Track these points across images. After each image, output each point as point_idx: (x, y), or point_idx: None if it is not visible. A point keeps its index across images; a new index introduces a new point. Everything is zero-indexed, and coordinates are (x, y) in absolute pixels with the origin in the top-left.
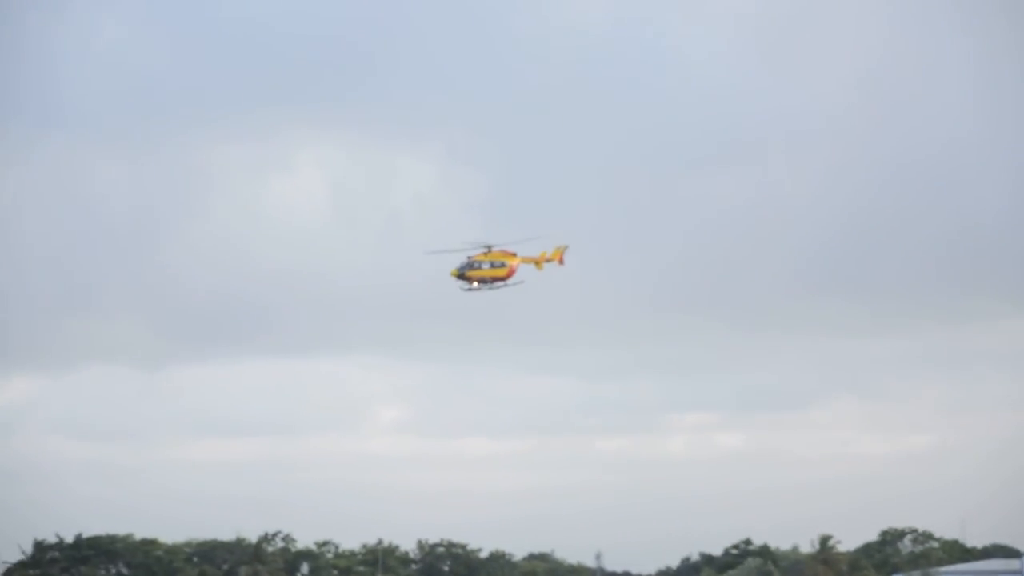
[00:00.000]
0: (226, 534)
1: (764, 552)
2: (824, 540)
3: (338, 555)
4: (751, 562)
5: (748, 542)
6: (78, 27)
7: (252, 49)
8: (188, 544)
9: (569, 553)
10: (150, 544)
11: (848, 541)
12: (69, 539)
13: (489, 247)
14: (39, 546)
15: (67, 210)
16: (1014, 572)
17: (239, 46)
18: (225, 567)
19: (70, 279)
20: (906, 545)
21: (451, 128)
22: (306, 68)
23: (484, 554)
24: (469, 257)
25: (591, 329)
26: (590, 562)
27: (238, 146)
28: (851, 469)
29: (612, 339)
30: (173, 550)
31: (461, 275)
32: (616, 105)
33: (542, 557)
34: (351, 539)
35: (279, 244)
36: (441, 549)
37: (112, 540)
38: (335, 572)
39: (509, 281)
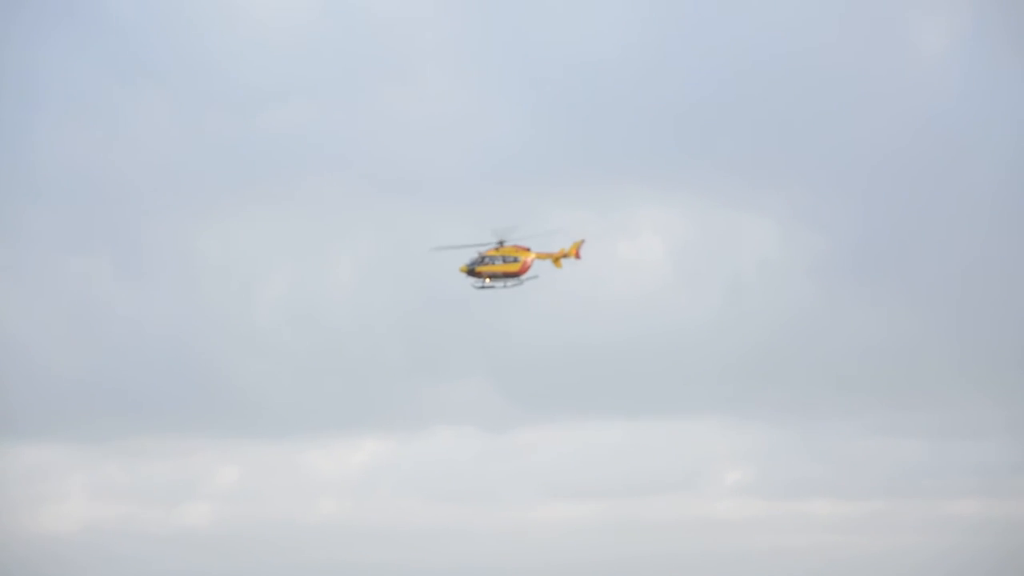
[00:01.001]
0: None
1: None
2: None
3: None
4: None
5: None
6: None
7: (592, 118)
8: None
9: None
10: None
11: None
12: None
13: (502, 242)
14: None
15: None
16: None
17: (581, 116)
18: None
19: (416, 343)
20: None
21: (790, 187)
22: (648, 135)
23: None
24: (480, 252)
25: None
26: None
27: (581, 211)
28: None
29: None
30: None
31: (471, 271)
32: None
33: None
34: None
35: (621, 307)
36: None
37: None
38: None
39: (523, 277)
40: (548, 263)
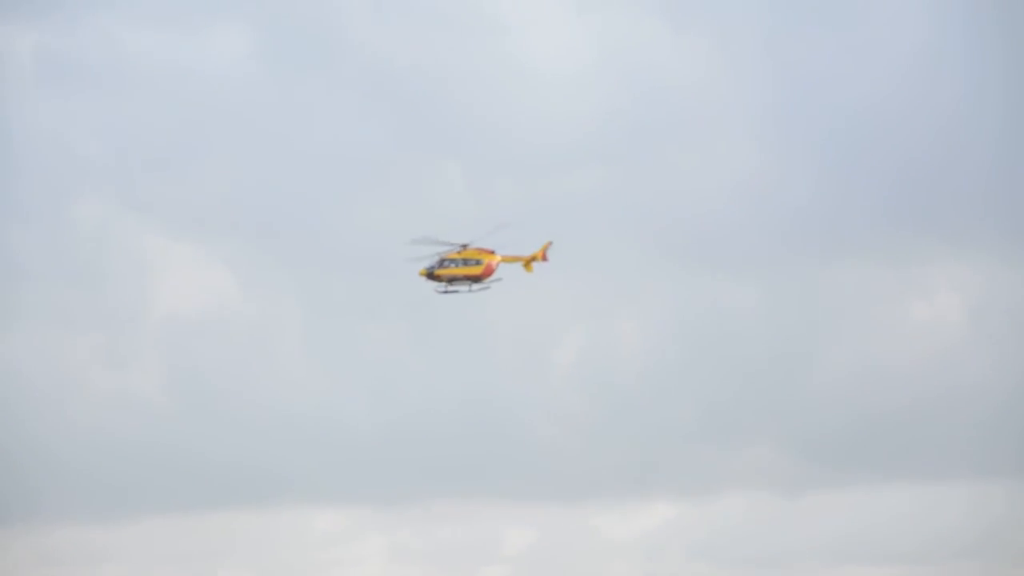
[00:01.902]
0: None
1: None
2: None
3: None
4: None
5: None
6: None
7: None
8: None
9: None
10: None
11: None
12: None
13: (464, 245)
14: None
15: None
16: None
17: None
18: None
19: (708, 406)
20: None
21: None
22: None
23: None
24: (440, 255)
25: None
26: None
27: (877, 270)
28: None
29: None
30: None
31: (430, 274)
32: None
33: None
34: None
35: (917, 368)
36: None
37: None
38: None
39: (487, 281)
40: (516, 267)
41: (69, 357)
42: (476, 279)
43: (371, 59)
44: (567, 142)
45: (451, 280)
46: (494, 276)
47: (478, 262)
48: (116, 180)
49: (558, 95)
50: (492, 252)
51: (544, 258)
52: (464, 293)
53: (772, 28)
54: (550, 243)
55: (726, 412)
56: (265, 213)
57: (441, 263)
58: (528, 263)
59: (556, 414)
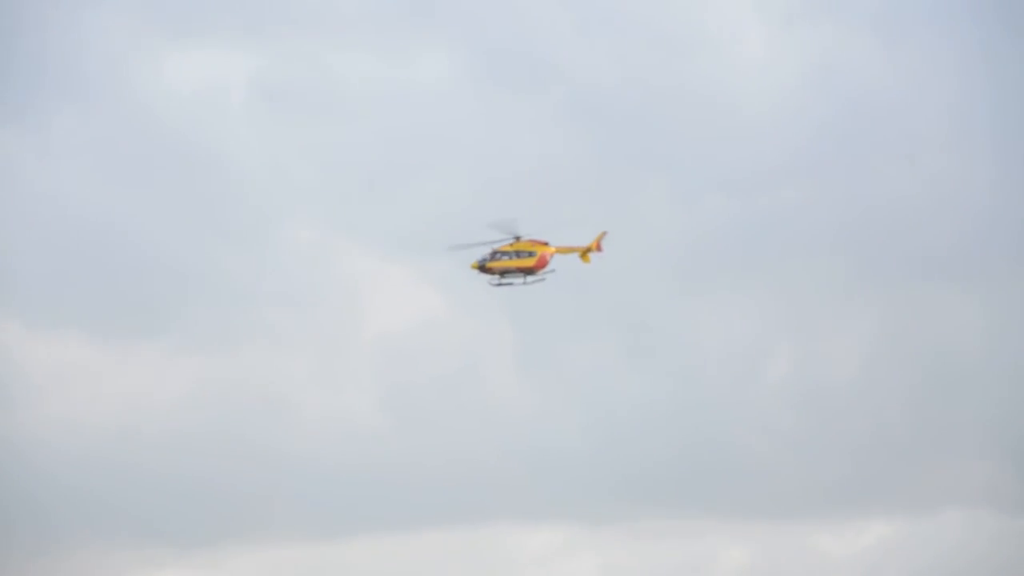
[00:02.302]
0: None
1: None
2: None
3: None
4: None
5: None
6: None
7: None
8: None
9: None
10: None
11: None
12: None
13: (518, 237)
14: None
15: None
16: None
17: None
18: None
19: (927, 421)
20: None
21: None
22: None
23: None
24: (493, 248)
25: None
26: None
27: None
28: None
29: None
30: None
31: (482, 267)
32: None
33: None
34: None
35: None
36: None
37: None
38: None
39: (542, 273)
40: (572, 258)
41: (283, 378)
42: (529, 271)
43: (577, 78)
44: (775, 157)
45: (503, 272)
46: (548, 268)
47: (531, 254)
48: (327, 202)
49: (766, 110)
50: (546, 243)
51: (599, 248)
52: (519, 285)
53: (985, 41)
54: (605, 233)
55: (946, 428)
56: (473, 233)
57: (493, 255)
58: (585, 254)
59: (769, 429)
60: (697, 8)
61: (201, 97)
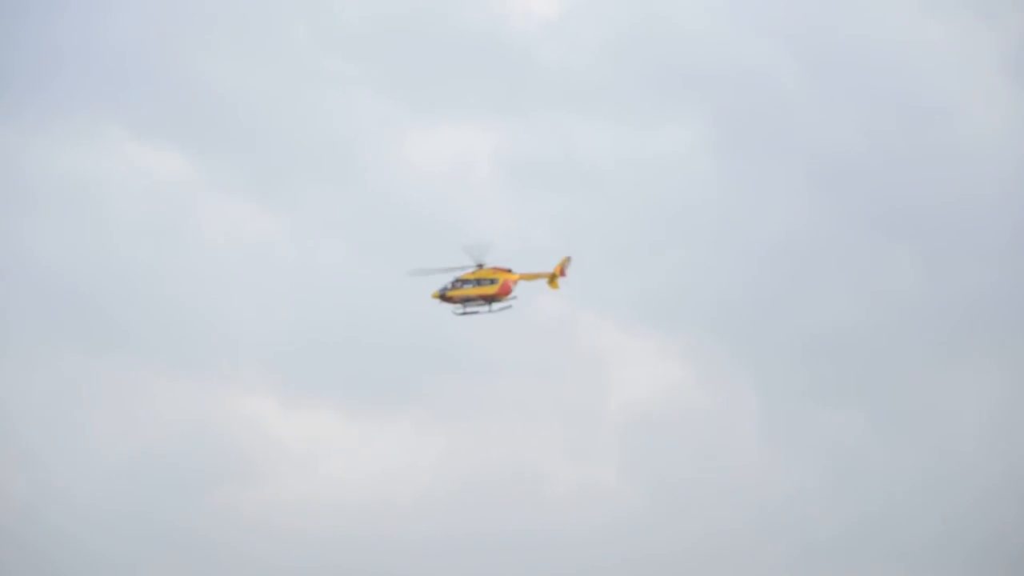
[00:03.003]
0: None
1: None
2: None
3: None
4: None
5: None
6: None
7: None
8: None
9: None
10: None
11: None
12: None
13: (480, 265)
14: None
15: None
16: None
17: None
18: None
19: None
20: None
21: None
22: None
23: None
24: (455, 277)
25: None
26: None
27: None
28: None
29: None
30: None
31: (443, 296)
32: None
33: None
34: None
35: None
36: None
37: None
38: None
39: (507, 300)
40: (537, 285)
41: (530, 450)
42: (492, 298)
43: (821, 146)
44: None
45: (465, 301)
46: (512, 295)
47: (492, 281)
48: (571, 274)
49: (1007, 175)
50: (509, 270)
51: (563, 274)
52: (485, 314)
53: None
54: (568, 258)
55: None
56: (718, 306)
57: (455, 284)
58: (553, 280)
59: None
60: (943, 72)
61: (445, 172)
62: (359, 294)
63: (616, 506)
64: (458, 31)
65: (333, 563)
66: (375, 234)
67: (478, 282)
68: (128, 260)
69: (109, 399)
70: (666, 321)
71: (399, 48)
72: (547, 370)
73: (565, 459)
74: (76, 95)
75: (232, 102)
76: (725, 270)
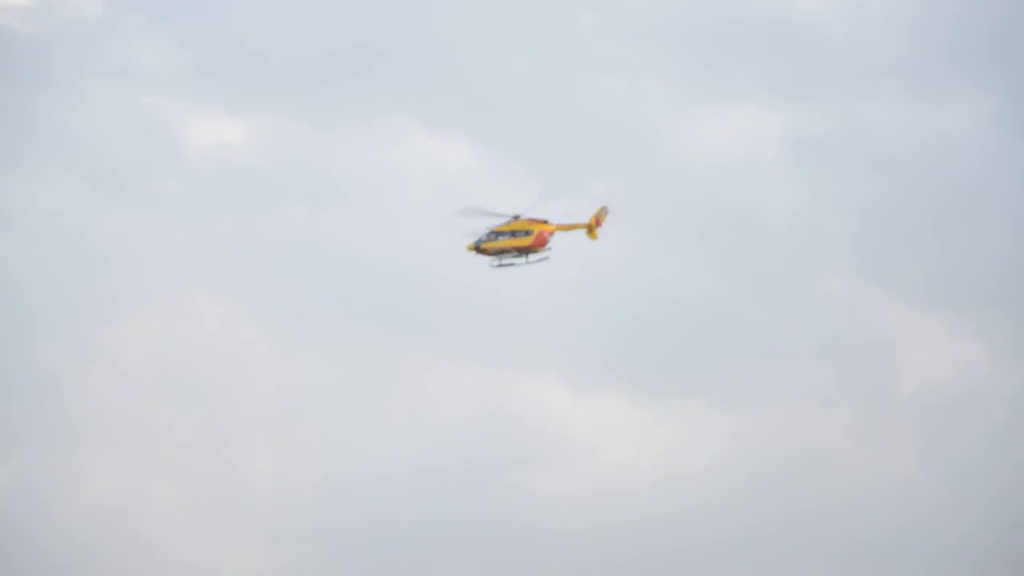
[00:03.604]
0: None
1: None
2: None
3: None
4: None
5: None
6: None
7: None
8: None
9: None
10: None
11: None
12: None
13: (516, 216)
14: None
15: None
16: None
17: None
18: None
19: None
20: None
21: None
22: None
23: None
24: (491, 228)
25: None
26: None
27: None
28: None
29: None
30: None
31: (477, 248)
32: None
33: None
34: None
35: None
36: None
37: None
38: None
39: (543, 251)
40: (574, 236)
41: (819, 435)
42: (527, 250)
43: None
44: None
45: (500, 253)
46: (548, 246)
47: (527, 232)
48: (862, 255)
49: None
50: (545, 221)
51: (599, 224)
52: (521, 266)
53: None
54: (605, 207)
55: None
56: (1010, 285)
57: (490, 236)
58: (591, 230)
59: None
60: None
61: (732, 155)
62: (646, 280)
63: (912, 491)
64: (743, 12)
65: (621, 546)
66: (662, 220)
67: (513, 234)
68: (420, 248)
69: (404, 386)
70: (957, 301)
71: (684, 33)
72: (836, 353)
73: (856, 444)
74: (368, 88)
75: (519, 91)
76: (1018, 248)
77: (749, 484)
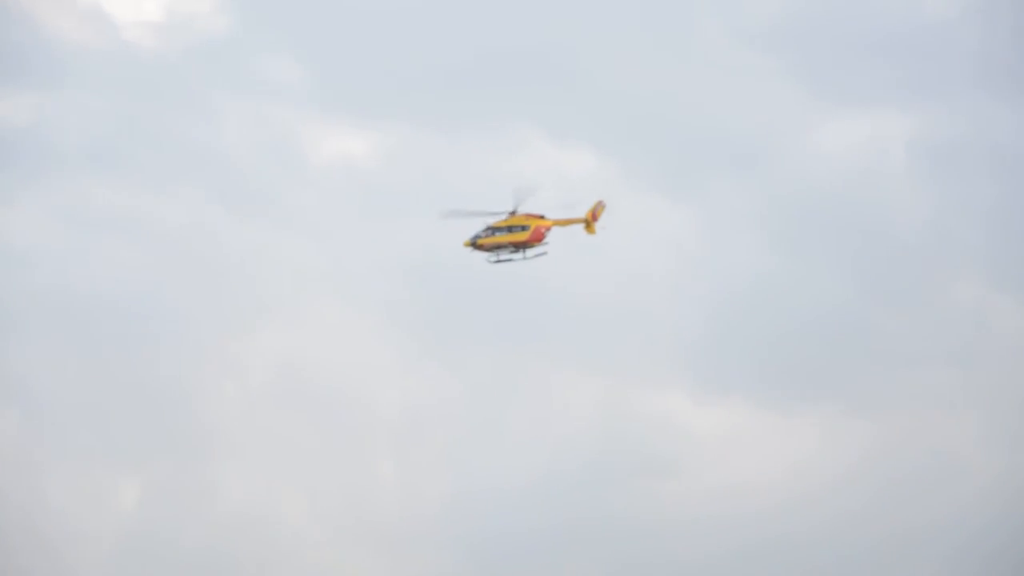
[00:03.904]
0: None
1: None
2: None
3: None
4: None
5: None
6: None
7: None
8: None
9: None
10: None
11: None
12: None
13: (513, 211)
14: None
15: None
16: None
17: None
18: None
19: None
20: None
21: None
22: None
23: None
24: (488, 224)
25: None
26: None
27: None
28: None
29: None
30: None
31: (474, 244)
32: None
33: None
34: None
35: None
36: None
37: None
38: None
39: (540, 246)
40: (572, 231)
41: (950, 441)
42: (523, 245)
43: None
44: None
45: (495, 248)
46: (545, 241)
47: (523, 228)
48: (991, 261)
49: None
50: (541, 216)
51: (596, 218)
52: (519, 261)
53: None
54: (602, 202)
55: None
56: None
57: (487, 231)
58: (589, 225)
59: None
60: None
61: (860, 160)
62: (773, 287)
63: None
64: (870, 16)
65: (749, 552)
66: (789, 226)
67: (509, 229)
68: (544, 258)
69: (528, 396)
70: None
71: (810, 37)
72: (964, 358)
73: (987, 448)
74: (492, 97)
75: (643, 97)
76: None
77: (881, 491)
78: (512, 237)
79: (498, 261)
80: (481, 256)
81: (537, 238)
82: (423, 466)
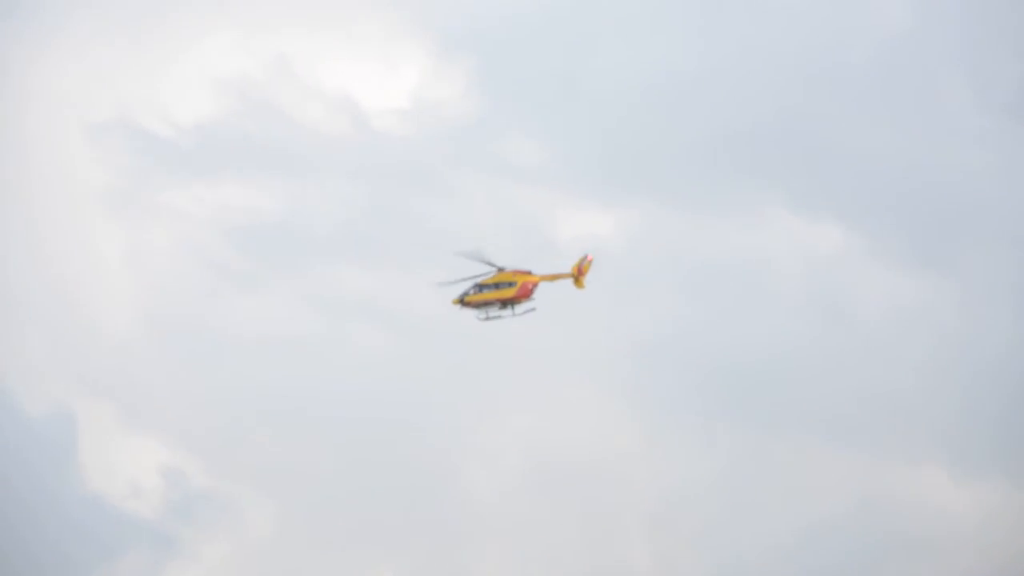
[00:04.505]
0: None
1: None
2: None
3: None
4: None
5: None
6: None
7: None
8: None
9: None
10: None
11: None
12: None
13: (501, 268)
14: None
15: None
16: None
17: None
18: None
19: None
20: None
21: None
22: None
23: None
24: (476, 282)
25: None
26: None
27: None
28: None
29: None
30: None
31: (462, 302)
32: None
33: None
34: None
35: None
36: None
37: None
38: None
39: (527, 303)
40: (559, 287)
41: None
42: (511, 302)
43: None
44: None
45: (483, 306)
46: (532, 297)
47: (510, 284)
48: None
49: None
50: (528, 272)
51: (584, 273)
52: (508, 318)
53: None
54: (588, 257)
55: None
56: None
57: (475, 289)
58: (578, 280)
59: None
60: None
61: None
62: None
63: None
64: None
65: None
66: None
67: (496, 286)
68: (787, 335)
69: (777, 476)
70: None
71: None
72: None
73: None
74: (733, 172)
75: (887, 168)
76: None
77: None
78: (499, 294)
79: (487, 319)
80: (470, 313)
81: (524, 294)
82: (672, 546)
